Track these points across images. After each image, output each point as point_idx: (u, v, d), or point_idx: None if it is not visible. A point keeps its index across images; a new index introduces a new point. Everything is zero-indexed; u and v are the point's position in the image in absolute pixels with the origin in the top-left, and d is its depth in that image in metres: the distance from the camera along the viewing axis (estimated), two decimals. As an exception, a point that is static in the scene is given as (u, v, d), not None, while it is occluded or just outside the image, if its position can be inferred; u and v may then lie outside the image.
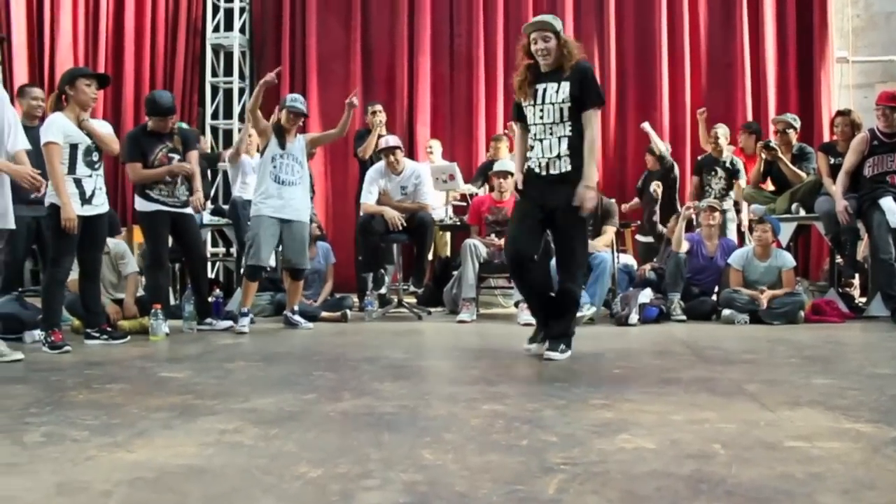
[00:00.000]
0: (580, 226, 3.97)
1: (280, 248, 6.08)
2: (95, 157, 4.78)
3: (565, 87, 3.80)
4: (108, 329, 4.97)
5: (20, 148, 4.19)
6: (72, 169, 4.65)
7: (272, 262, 6.16)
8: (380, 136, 7.11)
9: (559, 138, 3.85)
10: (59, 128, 4.61)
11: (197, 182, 5.79)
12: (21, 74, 9.84)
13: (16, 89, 7.04)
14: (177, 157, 5.69)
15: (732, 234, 7.31)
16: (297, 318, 5.83)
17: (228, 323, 5.76)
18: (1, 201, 4.05)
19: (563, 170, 3.87)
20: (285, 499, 1.70)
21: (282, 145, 5.74)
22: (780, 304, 5.86)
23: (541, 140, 3.90)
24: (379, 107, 7.56)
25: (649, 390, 3.06)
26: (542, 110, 3.87)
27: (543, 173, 3.92)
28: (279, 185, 5.70)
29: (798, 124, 7.16)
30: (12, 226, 4.18)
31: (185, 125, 7.69)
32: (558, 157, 3.86)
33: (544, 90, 3.86)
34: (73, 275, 5.47)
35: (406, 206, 6.50)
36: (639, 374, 3.54)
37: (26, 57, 10.03)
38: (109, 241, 5.83)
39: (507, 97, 9.20)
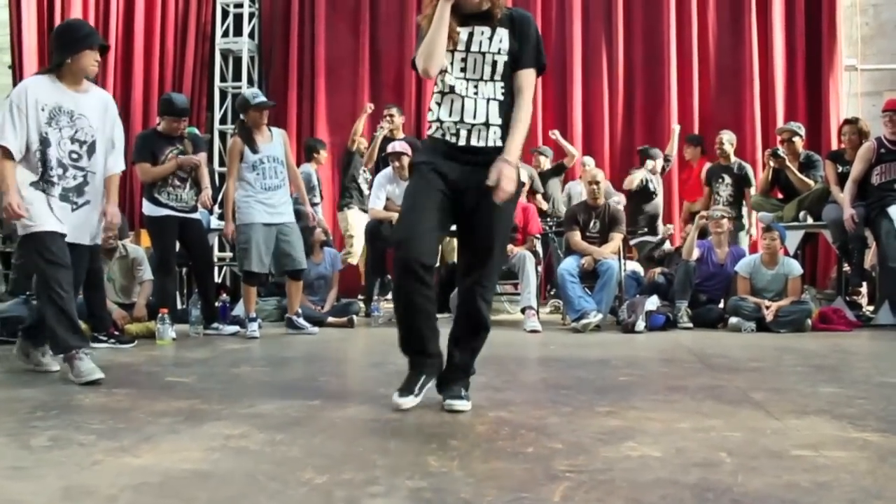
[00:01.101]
0: (506, 221, 2.88)
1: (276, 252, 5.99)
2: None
3: (503, 34, 2.79)
4: (116, 333, 5.00)
5: (116, 171, 3.91)
6: None
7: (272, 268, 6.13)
8: (389, 140, 7.09)
9: (487, 101, 2.79)
10: None
11: (205, 181, 5.78)
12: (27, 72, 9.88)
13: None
14: (182, 173, 5.73)
15: (744, 242, 7.32)
16: (301, 321, 5.79)
17: (235, 328, 5.77)
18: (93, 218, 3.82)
19: (491, 143, 2.78)
20: (290, 505, 1.70)
21: (254, 150, 5.62)
22: (787, 313, 5.84)
23: (462, 98, 2.78)
24: (394, 110, 7.53)
25: (655, 398, 3.05)
26: (464, 60, 2.78)
27: (461, 143, 2.79)
28: (265, 191, 5.62)
29: (803, 132, 7.16)
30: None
31: (195, 130, 7.74)
32: (486, 125, 2.78)
33: (470, 34, 2.78)
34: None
35: None
36: (645, 381, 3.53)
37: (36, 60, 10.09)
38: (128, 246, 5.89)
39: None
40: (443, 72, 2.77)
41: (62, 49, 3.60)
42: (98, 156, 3.73)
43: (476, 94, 2.79)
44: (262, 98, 5.75)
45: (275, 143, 5.73)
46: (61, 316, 3.45)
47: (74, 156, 3.64)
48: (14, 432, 2.42)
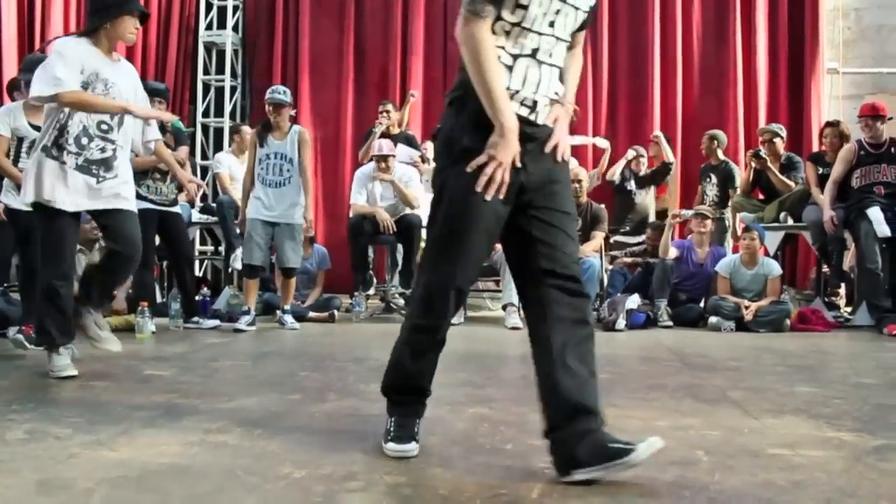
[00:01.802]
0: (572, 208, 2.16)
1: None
2: None
3: None
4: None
5: (157, 137, 3.88)
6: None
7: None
8: (383, 135, 7.08)
9: (553, 70, 2.10)
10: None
11: (186, 172, 5.72)
12: (10, 68, 9.78)
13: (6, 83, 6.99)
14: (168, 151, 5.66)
15: (729, 243, 7.36)
16: (286, 317, 5.80)
17: (215, 322, 5.75)
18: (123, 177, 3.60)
19: (548, 122, 2.10)
20: (269, 499, 1.70)
21: (261, 143, 5.70)
22: (766, 313, 5.88)
23: (539, 64, 2.05)
24: (389, 106, 7.49)
25: (635, 396, 3.07)
26: (557, 13, 2.02)
27: (536, 121, 2.07)
28: (265, 187, 5.67)
29: (784, 133, 7.21)
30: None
31: (180, 123, 7.67)
32: (551, 102, 2.10)
33: None
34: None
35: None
36: (625, 379, 3.55)
37: (16, 49, 9.97)
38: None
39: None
40: (517, 25, 2.00)
41: (99, 13, 3.35)
42: (127, 129, 3.53)
43: (550, 58, 2.08)
44: (277, 95, 5.73)
45: (288, 141, 5.72)
46: (52, 309, 3.35)
47: (104, 127, 3.42)
48: (-11, 425, 2.40)
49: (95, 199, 3.41)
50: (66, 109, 3.32)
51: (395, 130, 7.39)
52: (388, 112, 7.37)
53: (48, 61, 3.30)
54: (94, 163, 3.40)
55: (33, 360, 3.98)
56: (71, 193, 3.34)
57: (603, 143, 8.25)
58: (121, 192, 3.49)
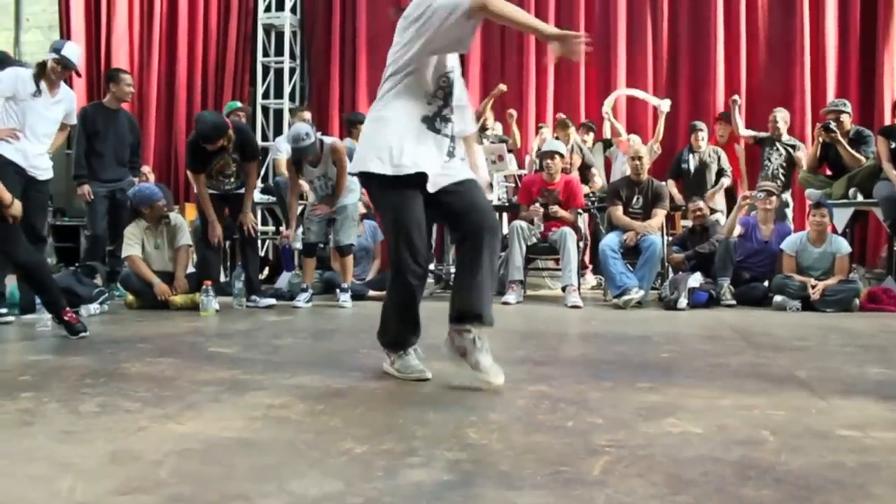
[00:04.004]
0: None
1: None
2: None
3: None
4: (66, 319, 4.06)
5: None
6: None
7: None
8: None
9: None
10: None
11: (248, 201, 5.89)
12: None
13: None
14: (233, 165, 5.80)
15: (790, 219, 7.20)
16: (341, 295, 5.92)
17: (272, 300, 5.84)
18: None
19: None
20: (330, 473, 1.72)
21: (298, 172, 5.97)
22: (833, 292, 5.72)
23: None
24: None
25: (697, 375, 3.02)
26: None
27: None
28: (322, 197, 6.00)
29: (849, 108, 6.96)
30: None
31: (238, 104, 7.76)
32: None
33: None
34: (131, 250, 5.61)
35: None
36: (687, 358, 3.50)
37: (84, 39, 10.23)
38: (170, 213, 5.99)
39: (557, 84, 9.09)
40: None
41: None
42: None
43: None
44: (302, 143, 5.67)
45: (323, 162, 5.87)
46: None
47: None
48: (64, 398, 2.49)
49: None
50: None
51: None
52: None
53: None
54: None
55: (106, 336, 4.11)
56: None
57: (664, 105, 8.02)
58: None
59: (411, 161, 2.71)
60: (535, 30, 2.68)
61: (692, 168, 7.57)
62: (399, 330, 2.94)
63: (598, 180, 7.77)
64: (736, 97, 7.83)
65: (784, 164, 7.27)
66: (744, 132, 7.68)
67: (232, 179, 5.86)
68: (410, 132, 2.75)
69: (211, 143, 5.54)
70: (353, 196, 5.97)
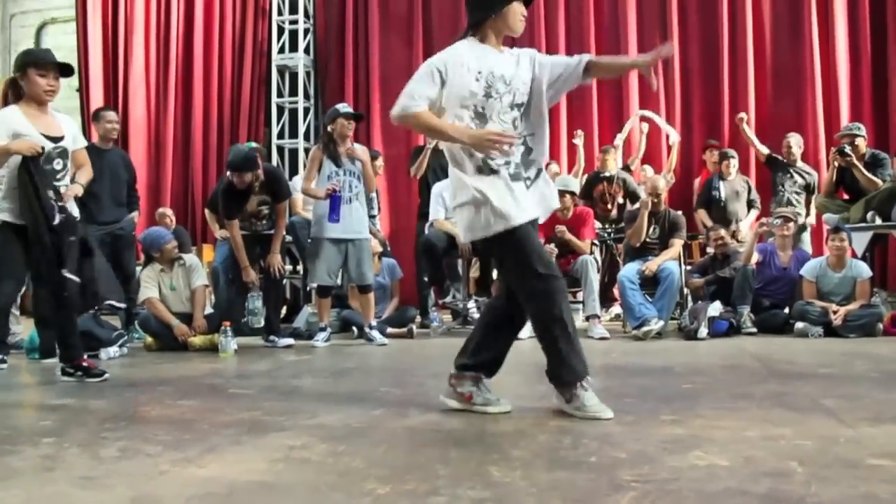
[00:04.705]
0: None
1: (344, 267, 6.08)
2: (58, 164, 4.05)
3: None
4: (84, 365, 4.06)
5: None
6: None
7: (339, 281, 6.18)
8: (437, 151, 7.01)
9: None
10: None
11: (276, 242, 5.87)
12: (97, 100, 10.23)
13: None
14: (265, 207, 5.84)
15: (807, 245, 7.15)
16: (373, 333, 5.81)
17: (290, 340, 5.82)
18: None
19: None
20: (354, 515, 1.70)
21: (337, 162, 5.73)
22: (856, 317, 5.67)
23: None
24: None
25: (721, 405, 2.98)
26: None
27: None
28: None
29: (864, 132, 6.96)
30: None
31: (254, 144, 7.84)
32: None
33: None
34: (149, 293, 5.64)
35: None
36: (710, 388, 3.46)
37: (101, 83, 10.43)
38: (184, 255, 6.00)
39: (570, 115, 9.13)
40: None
41: (487, 4, 2.88)
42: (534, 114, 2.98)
43: None
44: (351, 109, 5.82)
45: (355, 161, 5.80)
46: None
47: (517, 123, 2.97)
48: (85, 443, 2.49)
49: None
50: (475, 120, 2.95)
51: (442, 146, 7.29)
52: None
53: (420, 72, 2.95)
54: (519, 165, 2.97)
55: (124, 380, 4.12)
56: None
57: (674, 136, 8.09)
58: (540, 197, 3.03)
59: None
60: (454, 138, 2.85)
61: (723, 196, 7.53)
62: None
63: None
64: (742, 115, 7.81)
65: (798, 191, 7.25)
66: (760, 147, 7.63)
67: (265, 222, 5.91)
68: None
69: (238, 174, 5.55)
70: (364, 229, 5.87)
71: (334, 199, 5.58)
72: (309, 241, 6.04)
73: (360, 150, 5.89)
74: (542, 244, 2.85)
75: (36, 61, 3.94)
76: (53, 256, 3.87)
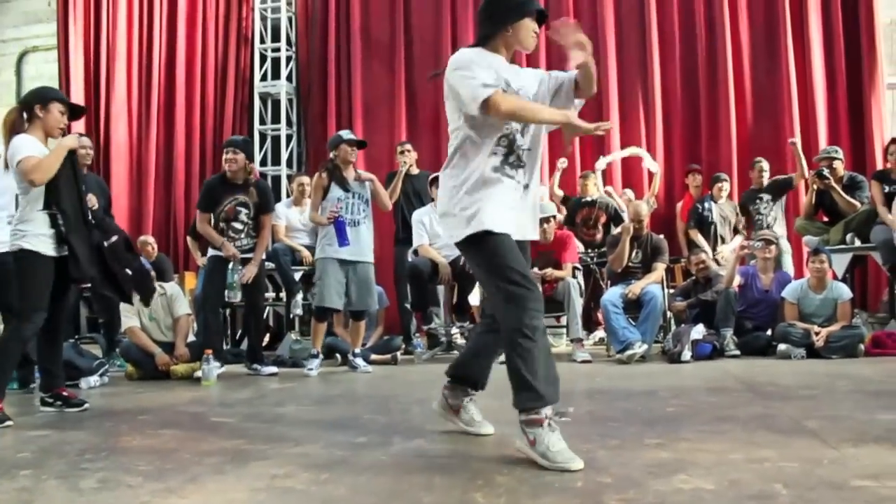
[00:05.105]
0: None
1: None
2: None
3: None
4: (63, 395, 4.04)
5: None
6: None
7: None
8: (409, 176, 7.01)
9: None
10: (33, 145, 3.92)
11: (258, 252, 5.82)
12: (78, 127, 10.18)
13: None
14: (244, 210, 5.80)
15: (788, 267, 7.20)
16: (357, 360, 5.76)
17: (273, 369, 5.74)
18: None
19: None
20: (337, 544, 1.69)
21: (344, 187, 5.69)
22: (838, 338, 5.70)
23: None
24: (408, 146, 7.41)
25: (705, 429, 2.98)
26: None
27: None
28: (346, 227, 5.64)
29: (841, 155, 7.06)
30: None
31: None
32: None
33: None
34: (129, 322, 5.59)
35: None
36: (694, 412, 3.46)
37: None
38: (164, 284, 5.94)
39: (553, 143, 9.18)
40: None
41: (499, 17, 2.84)
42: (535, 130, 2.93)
43: None
44: (354, 136, 5.84)
45: (364, 184, 5.81)
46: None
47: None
48: (64, 474, 2.45)
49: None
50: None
51: (415, 171, 7.29)
52: (408, 151, 7.27)
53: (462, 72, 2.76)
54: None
55: (106, 408, 4.07)
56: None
57: (654, 167, 8.20)
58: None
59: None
60: (546, 121, 2.78)
61: (714, 218, 7.56)
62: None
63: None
64: (793, 140, 7.73)
65: (776, 215, 7.34)
66: (806, 173, 7.55)
67: (242, 236, 5.82)
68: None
69: (234, 150, 5.63)
70: (369, 253, 5.82)
71: (339, 224, 5.54)
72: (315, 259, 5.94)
73: (364, 175, 5.91)
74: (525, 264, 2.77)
75: (62, 98, 4.11)
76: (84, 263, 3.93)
